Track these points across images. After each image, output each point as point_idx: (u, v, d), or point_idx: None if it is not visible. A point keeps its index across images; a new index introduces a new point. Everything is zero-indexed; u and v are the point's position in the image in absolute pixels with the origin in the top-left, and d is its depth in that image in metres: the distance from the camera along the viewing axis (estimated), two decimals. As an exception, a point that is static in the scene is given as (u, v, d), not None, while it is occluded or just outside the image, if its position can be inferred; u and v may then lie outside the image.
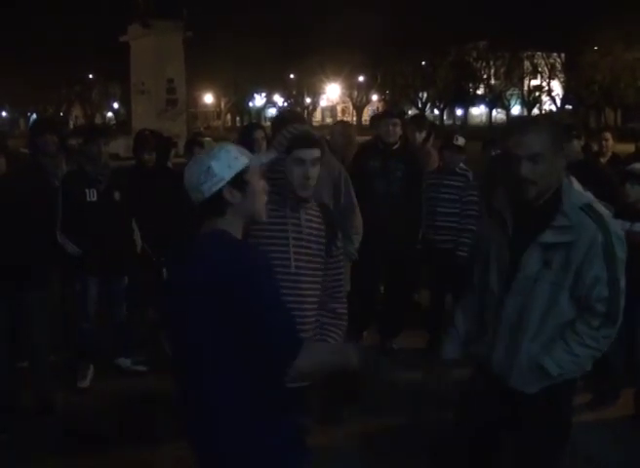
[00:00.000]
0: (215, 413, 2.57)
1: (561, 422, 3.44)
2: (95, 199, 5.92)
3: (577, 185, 3.35)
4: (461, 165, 6.63)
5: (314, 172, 3.38)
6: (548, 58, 55.12)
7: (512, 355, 3.33)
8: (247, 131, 6.43)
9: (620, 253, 3.21)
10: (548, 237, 3.21)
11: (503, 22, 42.52)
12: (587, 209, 3.18)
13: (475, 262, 3.63)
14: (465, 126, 53.88)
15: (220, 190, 2.62)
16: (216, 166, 2.61)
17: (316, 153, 3.39)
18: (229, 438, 2.57)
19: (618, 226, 3.29)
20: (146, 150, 6.63)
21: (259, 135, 6.06)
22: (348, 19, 42.89)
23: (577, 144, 6.15)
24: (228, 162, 2.63)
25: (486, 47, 53.87)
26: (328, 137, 6.89)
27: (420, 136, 7.70)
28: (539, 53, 54.72)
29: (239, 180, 2.64)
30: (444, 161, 6.69)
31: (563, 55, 53.65)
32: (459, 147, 6.59)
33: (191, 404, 2.64)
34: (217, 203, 2.63)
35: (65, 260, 5.86)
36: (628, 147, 10.23)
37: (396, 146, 6.65)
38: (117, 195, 6.04)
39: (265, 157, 2.92)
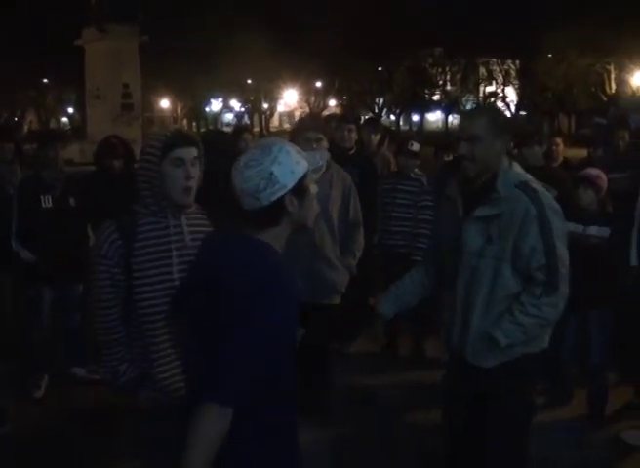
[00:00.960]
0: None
1: (523, 397, 3.56)
2: (50, 205, 5.85)
3: (517, 168, 3.52)
4: (416, 170, 6.69)
5: (194, 171, 3.09)
6: (503, 64, 55.77)
7: (466, 330, 3.49)
8: (204, 136, 6.45)
9: (557, 222, 3.35)
10: (480, 211, 3.42)
11: (459, 29, 42.93)
12: (522, 185, 3.38)
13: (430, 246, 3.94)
14: (422, 131, 54.24)
15: (281, 198, 2.41)
16: (278, 171, 2.39)
17: (193, 152, 3.09)
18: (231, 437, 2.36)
19: (553, 201, 3.42)
20: (114, 157, 6.49)
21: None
22: (305, 24, 42.97)
23: (538, 150, 6.25)
24: (291, 167, 2.42)
25: (442, 53, 54.36)
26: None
27: (375, 139, 7.74)
28: (493, 59, 55.39)
29: (300, 187, 2.45)
30: (399, 166, 6.75)
31: (517, 61, 54.36)
32: (413, 153, 6.65)
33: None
34: (274, 212, 2.43)
35: (19, 267, 5.78)
36: (581, 152, 10.42)
37: (352, 152, 6.69)
38: (72, 201, 5.97)
39: (321, 157, 2.68)
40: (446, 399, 3.87)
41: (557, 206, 3.41)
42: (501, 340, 3.37)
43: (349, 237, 5.18)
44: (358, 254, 5.26)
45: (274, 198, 2.40)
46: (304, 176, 2.46)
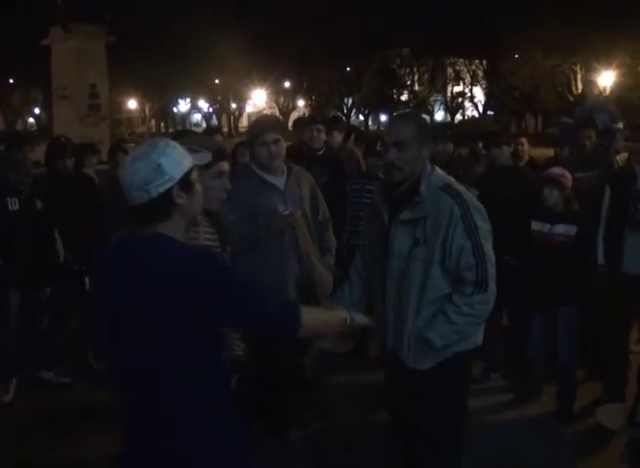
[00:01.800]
0: (169, 414, 2.46)
1: (458, 395, 3.62)
2: (16, 208, 5.79)
3: (439, 172, 3.58)
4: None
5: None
6: (470, 64, 56.13)
7: (400, 334, 3.52)
8: (173, 138, 6.39)
9: (481, 222, 3.41)
10: (405, 214, 3.47)
11: (426, 30, 43.12)
12: (445, 187, 3.45)
13: (359, 252, 3.93)
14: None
15: (169, 190, 2.47)
16: (166, 163, 2.45)
17: (227, 166, 3.46)
18: (185, 438, 2.47)
19: (476, 201, 3.48)
20: (65, 156, 6.45)
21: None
22: (274, 25, 42.93)
23: (506, 150, 6.30)
24: (178, 159, 2.50)
25: (409, 54, 54.56)
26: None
27: (339, 136, 7.72)
28: (461, 60, 55.71)
29: (187, 181, 2.51)
30: (368, 167, 6.76)
31: (485, 62, 54.72)
32: (381, 153, 6.66)
33: (142, 408, 2.50)
34: (164, 204, 2.47)
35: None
36: (548, 152, 10.50)
37: (320, 152, 6.70)
38: (39, 204, 5.92)
39: (205, 157, 2.90)
40: (389, 402, 3.93)
41: (480, 206, 3.47)
42: (437, 341, 3.42)
43: (323, 236, 5.10)
44: (333, 252, 5.22)
45: (163, 189, 2.45)
46: (191, 171, 2.54)
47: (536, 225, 5.52)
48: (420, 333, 3.45)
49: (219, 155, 3.38)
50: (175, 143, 2.56)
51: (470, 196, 3.49)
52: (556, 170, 5.63)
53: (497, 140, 6.29)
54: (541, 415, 5.52)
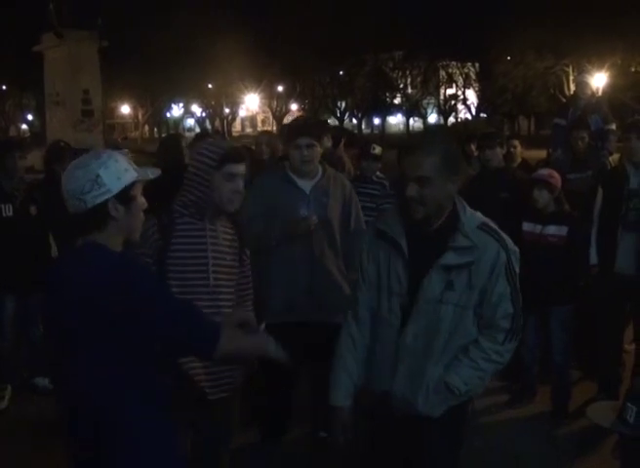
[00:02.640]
0: (105, 412, 2.44)
1: (459, 437, 3.43)
2: (10, 214, 5.79)
3: (469, 209, 3.24)
4: (378, 173, 6.71)
5: (242, 186, 3.38)
6: (463, 67, 56.25)
7: (416, 381, 3.21)
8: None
9: (517, 268, 3.20)
10: (450, 259, 3.11)
11: (419, 33, 43.21)
12: (486, 228, 3.15)
13: (359, 290, 3.37)
14: (383, 134, 54.49)
15: (105, 202, 2.45)
16: (105, 175, 2.43)
17: (243, 168, 3.37)
18: (121, 438, 2.45)
19: (510, 241, 3.21)
20: (63, 161, 6.45)
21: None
22: (266, 29, 42.95)
23: (500, 152, 6.31)
24: (118, 173, 2.47)
25: (402, 57, 54.66)
26: (253, 147, 6.90)
27: (327, 141, 7.61)
28: (453, 62, 55.83)
29: (125, 195, 2.49)
30: (361, 169, 6.77)
31: (477, 64, 54.85)
32: (375, 156, 6.67)
33: (78, 408, 2.49)
34: (98, 215, 2.46)
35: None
36: (541, 153, 10.54)
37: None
38: (33, 209, 5.92)
39: (152, 173, 2.76)
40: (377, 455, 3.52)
41: (515, 248, 3.21)
42: (461, 387, 3.18)
43: (352, 249, 4.55)
44: None
45: (98, 201, 2.44)
46: (132, 185, 2.51)
47: (527, 226, 5.54)
48: (440, 379, 3.19)
49: (228, 157, 3.30)
50: (120, 157, 2.53)
51: (508, 238, 3.21)
52: (544, 171, 5.67)
53: (490, 142, 6.30)
54: (536, 415, 5.54)
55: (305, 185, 4.53)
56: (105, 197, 2.44)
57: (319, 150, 4.56)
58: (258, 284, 4.01)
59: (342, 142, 8.15)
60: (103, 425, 2.44)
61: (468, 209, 3.21)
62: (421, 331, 3.18)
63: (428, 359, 3.19)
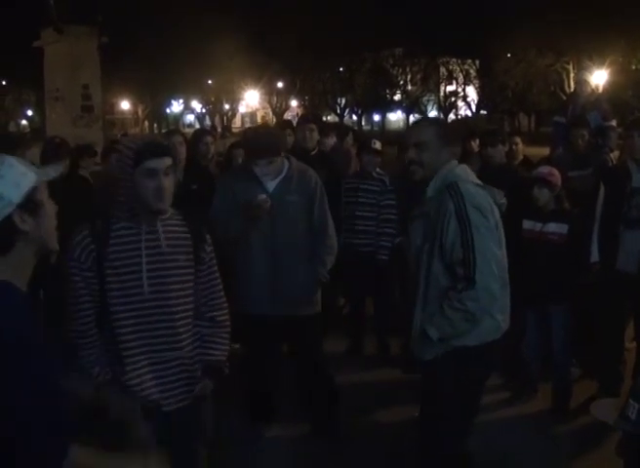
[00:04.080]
0: None
1: (455, 390, 3.58)
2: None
3: (458, 171, 3.62)
4: (378, 170, 6.71)
5: (168, 181, 3.06)
6: (463, 64, 56.20)
7: (412, 325, 3.62)
8: (164, 136, 6.40)
9: (477, 217, 3.41)
10: (415, 210, 3.67)
11: (419, 29, 43.17)
12: (450, 185, 3.49)
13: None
14: (383, 131, 54.46)
15: (9, 217, 2.03)
16: (1, 186, 2.03)
17: (168, 161, 3.05)
18: None
19: (479, 198, 3.48)
20: (59, 157, 6.41)
21: (175, 140, 6.01)
22: (266, 25, 42.92)
23: (502, 149, 6.31)
24: (15, 179, 2.07)
25: (402, 53, 54.60)
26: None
27: (329, 141, 7.58)
28: (453, 59, 55.78)
29: (30, 202, 2.08)
30: (361, 165, 6.77)
31: (477, 61, 54.81)
32: (375, 150, 6.68)
33: None
34: (4, 234, 2.04)
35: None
36: (541, 151, 10.53)
37: (314, 152, 6.68)
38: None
39: (54, 170, 2.32)
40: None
41: (482, 203, 3.47)
42: (433, 334, 3.47)
43: (316, 243, 4.83)
44: (329, 259, 4.88)
45: (1, 217, 2.03)
46: (35, 190, 2.11)
47: (527, 224, 5.53)
48: (422, 326, 3.52)
49: (144, 152, 2.99)
50: (11, 160, 2.14)
51: (473, 194, 3.48)
52: (544, 169, 5.64)
53: (492, 139, 6.30)
54: (537, 413, 5.53)
55: (270, 184, 4.68)
56: (8, 210, 2.04)
57: (279, 161, 4.67)
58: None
59: (349, 136, 8.15)
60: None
61: (455, 171, 3.60)
62: (418, 278, 3.60)
63: (416, 304, 3.60)
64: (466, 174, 3.65)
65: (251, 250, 4.67)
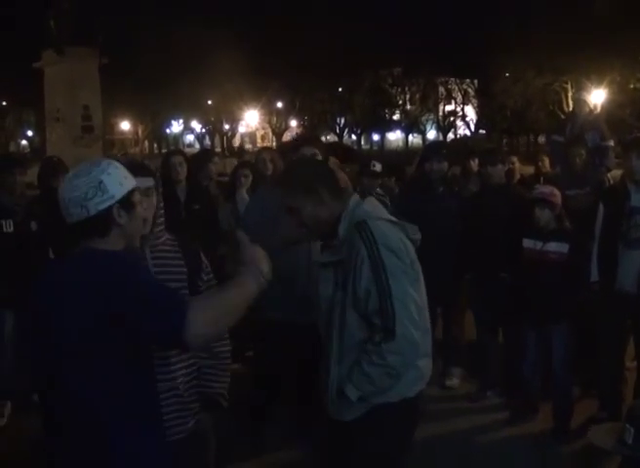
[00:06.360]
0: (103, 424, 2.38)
1: (380, 453, 3.25)
2: (11, 230, 5.80)
3: (365, 206, 3.27)
4: (378, 190, 6.72)
5: (149, 202, 2.98)
6: (462, 83, 56.49)
7: (326, 383, 3.25)
8: (165, 156, 6.44)
9: (392, 260, 3.06)
10: (323, 257, 3.32)
11: (417, 49, 43.42)
12: (358, 225, 3.12)
13: None
14: (382, 151, 54.60)
15: (109, 209, 2.44)
16: (107, 181, 2.43)
17: (148, 182, 3.01)
18: (118, 446, 2.40)
19: (392, 238, 3.13)
20: (58, 175, 6.42)
21: (176, 160, 6.03)
22: (265, 45, 43.14)
23: (502, 168, 6.31)
24: (120, 179, 2.47)
25: (401, 73, 54.89)
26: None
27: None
28: (452, 79, 56.05)
29: (128, 201, 2.49)
30: (361, 187, 6.77)
31: (476, 81, 55.07)
32: (376, 173, 6.69)
33: (69, 423, 2.43)
34: (102, 222, 2.44)
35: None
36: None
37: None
38: (34, 225, 5.92)
39: (145, 181, 2.77)
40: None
41: (396, 243, 3.12)
42: (352, 394, 3.13)
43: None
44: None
45: (102, 207, 2.42)
46: (132, 192, 2.51)
47: (528, 243, 5.54)
48: (340, 383, 3.17)
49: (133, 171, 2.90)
50: (118, 164, 2.54)
51: (384, 233, 3.11)
52: (545, 189, 5.66)
53: (492, 159, 6.30)
54: (538, 433, 5.51)
55: None
56: (109, 203, 2.43)
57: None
58: None
59: (335, 157, 8.16)
60: (94, 441, 2.40)
61: (361, 208, 3.23)
62: (324, 330, 3.30)
63: (330, 359, 3.22)
64: (375, 209, 3.29)
65: (293, 260, 4.66)
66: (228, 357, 3.36)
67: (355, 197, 3.29)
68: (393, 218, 3.28)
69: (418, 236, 3.34)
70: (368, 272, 3.05)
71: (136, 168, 2.93)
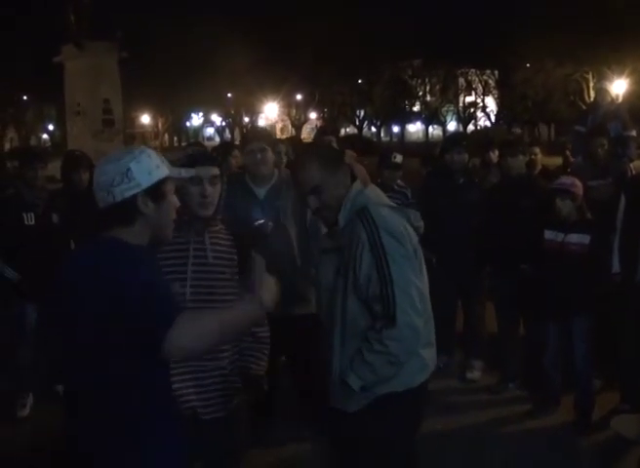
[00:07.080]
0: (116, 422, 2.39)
1: (388, 441, 3.20)
2: (32, 223, 5.84)
3: (367, 192, 3.25)
4: (399, 182, 6.69)
5: (212, 190, 3.26)
6: (482, 74, 56.18)
7: (329, 372, 3.22)
8: (185, 149, 6.46)
9: (394, 246, 3.02)
10: (324, 243, 3.34)
11: (437, 40, 43.26)
12: (360, 211, 3.10)
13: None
14: (402, 142, 54.46)
15: (134, 197, 2.42)
16: (135, 169, 2.42)
17: (214, 171, 3.28)
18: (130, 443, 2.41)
19: (394, 223, 3.09)
20: (79, 170, 6.48)
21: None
22: (285, 38, 43.11)
23: (522, 159, 6.26)
24: (149, 168, 2.45)
25: (421, 64, 54.68)
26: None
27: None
28: (472, 70, 55.76)
29: (156, 190, 2.46)
30: (382, 179, 6.74)
31: (496, 71, 54.75)
32: (396, 165, 6.64)
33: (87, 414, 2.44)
34: (126, 210, 2.43)
35: (3, 285, 5.75)
36: (560, 160, 10.49)
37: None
38: (55, 218, 5.96)
39: (186, 172, 2.72)
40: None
41: (398, 228, 3.07)
42: (355, 384, 3.07)
43: (310, 246, 4.76)
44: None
45: (127, 195, 2.41)
46: (163, 182, 2.48)
47: (549, 235, 5.51)
48: (342, 373, 3.12)
49: (192, 161, 3.23)
50: (152, 153, 2.52)
51: (386, 219, 3.08)
52: (566, 180, 5.61)
53: (512, 150, 6.24)
54: (559, 426, 5.48)
55: (259, 191, 4.80)
56: (134, 191, 2.42)
57: (271, 155, 4.81)
58: None
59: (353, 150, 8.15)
60: (114, 437, 2.41)
61: (364, 194, 3.21)
62: (325, 319, 3.27)
63: (332, 349, 3.19)
64: (377, 195, 3.28)
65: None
66: (268, 342, 3.47)
67: (357, 184, 3.25)
68: (394, 204, 3.29)
69: (420, 223, 3.36)
70: (369, 257, 3.01)
71: (202, 158, 3.28)
